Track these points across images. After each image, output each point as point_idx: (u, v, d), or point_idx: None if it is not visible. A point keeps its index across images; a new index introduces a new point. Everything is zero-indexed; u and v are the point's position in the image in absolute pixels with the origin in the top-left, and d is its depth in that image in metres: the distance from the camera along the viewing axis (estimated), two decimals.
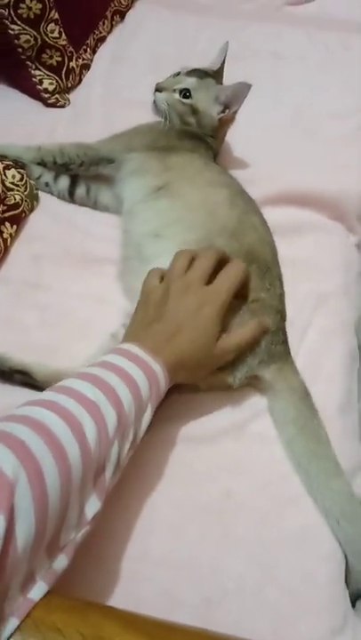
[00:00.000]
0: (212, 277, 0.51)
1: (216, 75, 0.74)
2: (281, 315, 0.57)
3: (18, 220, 0.64)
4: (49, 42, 0.78)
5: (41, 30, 0.77)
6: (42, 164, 0.69)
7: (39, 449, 0.31)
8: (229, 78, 0.73)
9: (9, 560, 0.27)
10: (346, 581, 0.46)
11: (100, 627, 0.28)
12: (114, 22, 0.97)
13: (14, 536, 0.28)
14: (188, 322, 0.48)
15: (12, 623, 0.28)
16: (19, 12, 0.73)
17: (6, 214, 0.62)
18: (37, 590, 0.30)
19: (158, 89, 0.71)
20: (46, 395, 0.37)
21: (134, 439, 0.40)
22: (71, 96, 0.85)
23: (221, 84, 0.74)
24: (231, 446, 0.51)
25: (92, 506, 0.35)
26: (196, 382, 0.51)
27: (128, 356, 0.43)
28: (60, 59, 0.81)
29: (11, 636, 0.27)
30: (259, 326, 0.52)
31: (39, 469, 0.30)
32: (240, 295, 0.52)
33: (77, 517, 0.34)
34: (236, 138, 0.76)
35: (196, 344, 0.47)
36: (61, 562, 0.33)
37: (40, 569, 0.31)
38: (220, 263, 0.52)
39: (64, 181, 0.70)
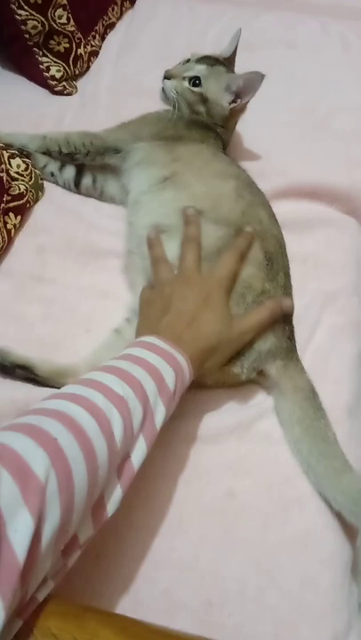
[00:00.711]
0: None
1: (228, 62, 0.72)
2: None
3: (22, 211, 0.63)
4: (56, 28, 0.77)
5: (48, 16, 0.75)
6: (47, 153, 0.68)
7: (71, 449, 0.30)
8: (241, 68, 0.71)
9: (34, 565, 0.27)
10: (355, 575, 0.45)
11: (95, 633, 0.27)
12: (123, 8, 0.95)
13: (42, 538, 0.27)
14: (200, 309, 0.48)
15: (17, 624, 0.27)
16: None
17: (10, 204, 0.61)
18: (45, 590, 0.30)
19: (167, 76, 0.70)
20: (74, 388, 0.36)
21: (153, 430, 0.40)
22: (79, 83, 0.83)
23: (233, 72, 0.72)
24: (236, 446, 0.50)
25: (115, 503, 0.35)
26: (212, 372, 0.50)
27: (151, 349, 0.43)
28: (67, 45, 0.79)
29: None
30: (276, 304, 0.52)
31: (69, 471, 0.29)
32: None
33: (99, 516, 0.33)
34: (246, 128, 0.74)
35: (214, 328, 0.47)
36: (73, 560, 0.32)
37: (54, 569, 0.30)
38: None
39: (70, 171, 0.69)
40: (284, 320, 0.54)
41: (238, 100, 0.68)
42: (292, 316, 0.56)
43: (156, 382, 0.40)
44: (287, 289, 0.57)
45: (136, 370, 0.39)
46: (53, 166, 0.69)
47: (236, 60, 0.73)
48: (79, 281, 0.60)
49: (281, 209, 0.64)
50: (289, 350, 0.54)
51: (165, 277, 0.52)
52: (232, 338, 0.49)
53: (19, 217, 0.62)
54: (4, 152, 0.63)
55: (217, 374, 0.51)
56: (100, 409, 0.34)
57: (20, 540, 0.25)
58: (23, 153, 0.67)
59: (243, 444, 0.50)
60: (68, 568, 0.32)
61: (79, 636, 0.27)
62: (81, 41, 0.82)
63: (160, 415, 0.40)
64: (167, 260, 0.54)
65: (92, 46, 0.85)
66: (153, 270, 0.54)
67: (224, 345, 0.48)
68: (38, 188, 0.66)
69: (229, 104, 0.68)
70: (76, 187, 0.69)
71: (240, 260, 0.53)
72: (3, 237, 0.59)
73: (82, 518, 0.31)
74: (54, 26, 0.76)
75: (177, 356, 0.43)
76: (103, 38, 0.89)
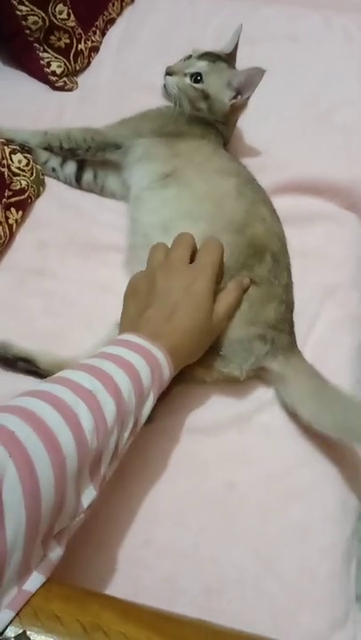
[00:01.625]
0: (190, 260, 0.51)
1: (229, 58, 0.72)
2: (287, 305, 0.56)
3: (24, 206, 0.63)
4: (57, 23, 0.77)
5: (49, 11, 0.75)
6: (48, 148, 0.68)
7: (30, 440, 0.30)
8: (242, 62, 0.71)
9: (4, 554, 0.27)
10: None
11: (98, 615, 0.28)
12: (124, 3, 0.95)
13: (3, 529, 0.27)
14: (181, 300, 0.47)
15: (7, 614, 0.28)
16: None
17: (12, 200, 0.61)
18: (33, 581, 0.30)
19: (168, 72, 0.70)
20: (42, 386, 0.37)
21: (135, 426, 0.40)
22: (79, 79, 0.83)
23: (234, 68, 0.72)
24: (236, 438, 0.51)
25: (89, 495, 0.35)
26: (193, 362, 0.50)
27: (126, 345, 0.43)
28: (68, 41, 0.79)
29: (9, 625, 0.27)
30: (237, 284, 0.52)
31: (29, 461, 0.30)
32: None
33: (74, 507, 0.34)
34: (247, 124, 0.74)
35: (194, 320, 0.47)
36: (56, 551, 0.32)
37: (35, 559, 0.31)
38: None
39: (71, 167, 0.69)
40: (283, 317, 0.54)
41: (239, 97, 0.68)
42: (292, 310, 0.57)
43: (130, 377, 0.39)
44: (289, 287, 0.57)
45: (106, 365, 0.39)
46: (55, 162, 0.69)
47: (238, 54, 0.73)
48: (80, 275, 0.61)
49: (282, 204, 0.64)
50: (290, 345, 0.55)
51: (157, 262, 0.52)
52: (211, 328, 0.49)
53: (20, 212, 0.63)
54: (6, 148, 0.64)
55: (215, 375, 0.52)
56: (64, 402, 0.34)
57: None
58: (24, 148, 0.67)
59: (243, 436, 0.51)
60: (53, 559, 0.32)
61: (82, 619, 0.28)
62: (81, 36, 0.82)
63: (140, 408, 0.40)
64: (165, 247, 0.53)
65: (92, 42, 0.85)
66: (149, 254, 0.53)
67: (204, 336, 0.48)
68: (39, 184, 0.67)
69: (230, 100, 0.68)
70: (77, 182, 0.69)
71: (222, 249, 0.52)
72: (4, 232, 0.60)
73: (57, 509, 0.31)
74: (55, 21, 0.77)
75: (154, 351, 0.43)
76: (104, 34, 0.90)
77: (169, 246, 0.54)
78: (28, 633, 0.27)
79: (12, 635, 0.27)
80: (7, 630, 0.27)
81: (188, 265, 0.50)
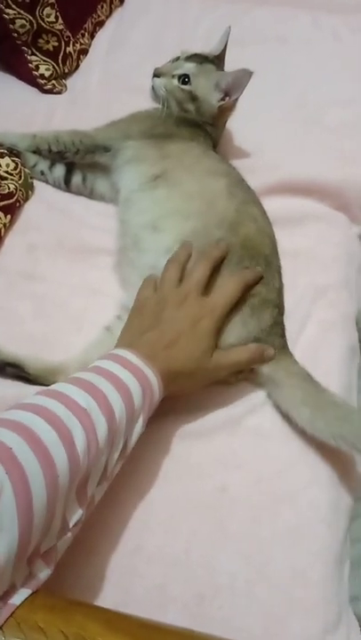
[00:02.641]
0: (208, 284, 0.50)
1: (217, 60, 0.72)
2: (279, 309, 0.56)
3: (12, 210, 0.63)
4: (45, 26, 0.77)
5: (37, 14, 0.75)
6: (37, 151, 0.68)
7: (27, 458, 0.30)
8: (232, 64, 0.71)
9: None
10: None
11: (82, 626, 0.28)
12: (113, 6, 0.95)
13: None
14: (185, 333, 0.47)
15: None
16: None
17: (0, 204, 0.61)
18: (19, 596, 0.30)
19: (156, 74, 0.69)
20: (37, 398, 0.36)
21: (124, 448, 0.40)
22: (68, 82, 0.83)
23: (223, 69, 0.72)
24: (226, 441, 0.50)
25: (75, 514, 0.34)
26: (188, 393, 0.50)
27: (122, 363, 0.42)
28: (56, 44, 0.79)
29: None
30: (259, 351, 0.51)
31: (25, 480, 0.29)
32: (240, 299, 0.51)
33: (59, 525, 0.33)
34: (237, 125, 0.74)
35: (191, 356, 0.47)
36: (44, 571, 0.32)
37: (20, 577, 0.30)
38: (217, 267, 0.51)
39: (60, 170, 0.69)
40: (275, 320, 0.54)
41: (227, 98, 0.68)
42: (283, 313, 0.56)
43: (123, 397, 0.39)
44: (280, 291, 0.57)
45: (102, 382, 0.39)
46: (43, 165, 0.69)
47: (228, 55, 0.73)
48: (70, 278, 0.60)
49: (272, 205, 0.64)
50: (281, 347, 0.54)
51: (169, 278, 0.51)
52: (208, 369, 0.48)
53: (8, 216, 0.62)
54: None
55: (209, 380, 0.51)
56: (59, 419, 0.34)
57: None
58: (13, 152, 0.67)
59: (233, 439, 0.50)
60: (41, 577, 0.32)
61: (66, 630, 0.27)
62: (70, 39, 0.82)
63: (130, 429, 0.39)
64: (182, 263, 0.52)
65: (81, 44, 0.85)
66: (165, 267, 0.53)
67: (198, 374, 0.48)
68: (28, 187, 0.66)
69: (218, 102, 0.68)
70: (66, 185, 0.69)
71: (243, 291, 0.51)
72: None
73: (45, 529, 0.31)
74: (43, 24, 0.76)
75: (147, 373, 0.43)
76: (93, 36, 0.90)
77: (169, 246, 0.53)
78: None
79: None
80: None
81: (200, 298, 0.49)
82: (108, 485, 0.40)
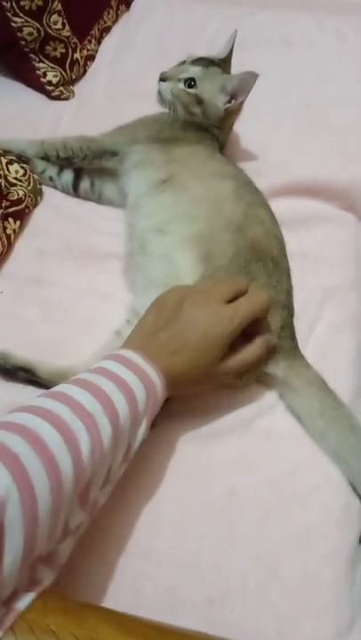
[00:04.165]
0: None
1: (223, 63, 0.72)
2: (288, 310, 0.56)
3: (21, 216, 0.64)
4: (52, 34, 0.78)
5: (44, 22, 0.76)
6: (45, 158, 0.69)
7: (33, 464, 0.30)
8: (237, 67, 0.71)
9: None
10: None
11: (94, 629, 0.28)
12: (119, 12, 0.96)
13: (3, 554, 0.27)
14: (196, 339, 0.46)
15: None
16: (21, 4, 0.73)
17: (9, 210, 0.62)
18: (23, 600, 0.30)
19: (163, 78, 0.70)
20: (42, 402, 0.36)
21: (128, 451, 0.39)
22: (76, 88, 0.84)
23: (229, 73, 0.72)
24: (236, 443, 0.50)
25: (77, 518, 0.34)
26: (196, 395, 0.50)
27: (127, 365, 0.42)
28: (63, 50, 0.80)
29: None
30: (264, 344, 0.50)
31: (31, 486, 0.29)
32: (253, 327, 0.49)
33: (61, 530, 0.33)
34: (243, 128, 0.75)
35: (198, 364, 0.46)
36: (44, 573, 0.32)
37: (22, 582, 0.30)
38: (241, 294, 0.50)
39: (68, 175, 0.69)
40: (285, 322, 0.54)
41: (233, 101, 0.68)
42: (292, 315, 0.56)
43: (128, 400, 0.39)
44: (289, 293, 0.57)
45: (107, 385, 0.39)
46: (52, 171, 0.69)
47: (233, 59, 0.73)
48: (79, 283, 0.61)
49: (279, 207, 0.64)
50: (292, 349, 0.54)
51: (200, 286, 0.50)
52: (215, 374, 0.47)
53: (18, 222, 0.63)
54: (3, 158, 0.64)
55: (215, 385, 0.50)
56: (65, 423, 0.34)
57: None
58: (22, 158, 0.68)
59: (243, 441, 0.50)
60: (45, 582, 0.32)
61: (78, 633, 0.27)
62: (77, 46, 0.83)
63: (133, 433, 0.39)
64: (219, 279, 0.51)
65: (88, 50, 0.86)
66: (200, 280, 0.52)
67: (204, 379, 0.48)
68: (37, 193, 0.67)
69: (224, 105, 0.68)
70: (75, 190, 0.70)
71: (265, 312, 0.50)
72: (2, 242, 0.60)
73: (49, 534, 0.31)
74: (50, 32, 0.77)
75: (152, 376, 0.42)
76: (99, 42, 0.90)
77: (174, 249, 0.53)
78: None
79: None
80: None
81: (222, 304, 0.48)
82: (116, 488, 0.40)
